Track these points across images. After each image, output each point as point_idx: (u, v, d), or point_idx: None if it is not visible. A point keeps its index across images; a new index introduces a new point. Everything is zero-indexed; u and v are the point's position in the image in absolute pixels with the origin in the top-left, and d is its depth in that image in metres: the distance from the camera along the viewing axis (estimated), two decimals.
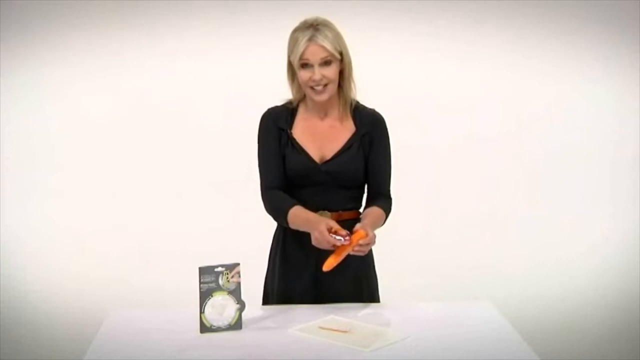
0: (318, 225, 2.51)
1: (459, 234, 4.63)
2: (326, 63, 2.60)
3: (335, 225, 2.52)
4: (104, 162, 4.63)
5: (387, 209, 2.75)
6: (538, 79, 4.62)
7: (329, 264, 2.49)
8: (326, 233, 2.49)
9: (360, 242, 2.50)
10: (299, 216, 2.64)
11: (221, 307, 2.44)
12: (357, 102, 2.77)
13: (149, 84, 4.57)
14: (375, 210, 2.71)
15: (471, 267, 4.54)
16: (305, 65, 2.61)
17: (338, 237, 2.49)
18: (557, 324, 4.37)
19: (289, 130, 2.72)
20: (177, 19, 4.52)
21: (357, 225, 2.55)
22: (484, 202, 4.67)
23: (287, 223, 2.67)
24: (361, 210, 2.78)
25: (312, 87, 2.63)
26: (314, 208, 2.69)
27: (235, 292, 2.46)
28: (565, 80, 4.63)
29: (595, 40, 4.57)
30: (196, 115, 4.60)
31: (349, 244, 2.49)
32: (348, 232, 2.50)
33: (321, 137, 2.72)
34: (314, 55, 2.59)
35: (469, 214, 4.66)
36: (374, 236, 2.55)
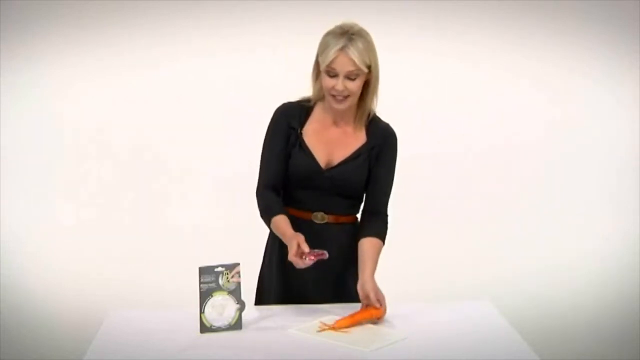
0: (290, 242, 2.53)
1: (459, 235, 4.63)
2: (352, 76, 2.57)
3: (305, 248, 2.49)
4: (104, 162, 4.63)
5: (384, 236, 2.72)
6: (538, 79, 4.62)
7: (342, 324, 2.47)
8: (295, 247, 2.50)
9: (377, 318, 2.51)
10: (279, 227, 2.64)
11: (221, 307, 2.44)
12: (375, 114, 2.74)
13: (149, 84, 4.57)
14: (375, 246, 2.67)
15: (471, 267, 4.54)
16: (331, 72, 2.58)
17: (307, 258, 2.51)
18: (557, 324, 4.37)
19: (299, 130, 2.71)
20: (177, 19, 4.52)
21: (371, 296, 2.52)
22: (484, 202, 4.66)
23: (269, 228, 2.71)
24: (358, 215, 2.77)
25: (333, 95, 2.61)
26: (311, 209, 2.69)
27: (235, 292, 2.46)
28: (565, 80, 4.62)
29: (595, 40, 4.57)
30: (196, 115, 4.60)
31: (367, 314, 2.50)
32: (314, 253, 2.50)
33: (331, 142, 2.70)
34: (342, 66, 2.55)
35: (469, 214, 4.66)
36: (385, 308, 2.55)
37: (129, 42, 4.53)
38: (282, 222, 2.64)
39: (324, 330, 2.43)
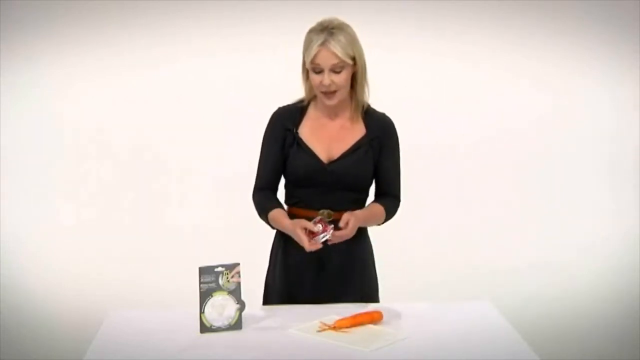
0: (294, 233, 2.57)
1: (460, 234, 4.63)
2: (337, 69, 2.60)
3: (310, 227, 2.55)
4: (104, 162, 4.63)
5: (390, 209, 2.76)
6: (538, 79, 4.62)
7: (342, 324, 2.48)
8: (303, 235, 2.55)
9: (337, 233, 2.56)
10: (276, 221, 2.69)
11: (221, 307, 2.45)
12: (369, 106, 2.76)
13: (149, 84, 4.57)
14: (376, 207, 2.73)
15: (471, 267, 4.54)
16: (316, 69, 2.61)
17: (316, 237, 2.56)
18: (557, 324, 4.37)
19: (295, 130, 2.72)
20: (177, 19, 4.52)
21: (345, 214, 2.59)
22: (484, 202, 4.66)
23: (269, 224, 2.74)
24: None
25: (323, 92, 2.64)
26: (316, 207, 2.69)
27: (235, 292, 2.46)
28: (565, 80, 4.62)
29: (595, 40, 4.57)
30: (196, 115, 4.60)
31: (368, 316, 2.51)
32: (320, 234, 2.55)
33: (330, 137, 2.72)
34: (325, 60, 2.59)
35: (468, 214, 4.66)
36: (353, 229, 2.58)
37: (129, 42, 4.53)
38: (277, 215, 2.69)
39: (324, 330, 2.43)
